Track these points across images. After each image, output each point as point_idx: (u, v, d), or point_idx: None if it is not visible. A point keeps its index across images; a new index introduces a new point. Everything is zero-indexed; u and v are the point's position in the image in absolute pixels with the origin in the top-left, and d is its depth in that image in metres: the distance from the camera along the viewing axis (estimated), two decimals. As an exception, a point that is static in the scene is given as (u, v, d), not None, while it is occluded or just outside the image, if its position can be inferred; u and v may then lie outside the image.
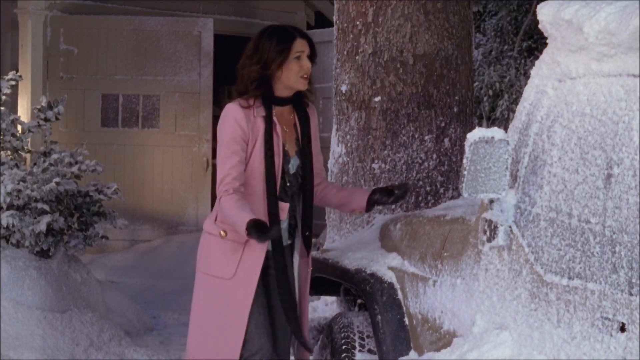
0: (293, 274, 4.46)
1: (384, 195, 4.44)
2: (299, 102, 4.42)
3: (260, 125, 4.29)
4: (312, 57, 4.37)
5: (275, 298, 4.41)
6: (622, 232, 3.15)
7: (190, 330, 4.44)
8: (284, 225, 4.39)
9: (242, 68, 4.32)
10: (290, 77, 4.32)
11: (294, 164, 4.38)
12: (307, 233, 4.41)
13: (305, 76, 4.32)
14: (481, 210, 3.88)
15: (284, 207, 4.33)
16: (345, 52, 6.32)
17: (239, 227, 4.10)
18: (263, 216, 4.23)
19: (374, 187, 4.50)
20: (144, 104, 10.41)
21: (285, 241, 4.42)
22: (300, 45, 4.32)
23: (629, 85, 3.25)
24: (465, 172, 3.57)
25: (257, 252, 4.29)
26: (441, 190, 6.17)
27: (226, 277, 4.31)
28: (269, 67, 4.28)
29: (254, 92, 4.29)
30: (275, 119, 4.30)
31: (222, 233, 4.30)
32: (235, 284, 4.31)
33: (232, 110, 4.27)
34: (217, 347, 4.36)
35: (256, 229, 4.04)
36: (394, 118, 6.14)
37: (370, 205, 4.46)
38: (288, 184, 4.36)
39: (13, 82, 7.31)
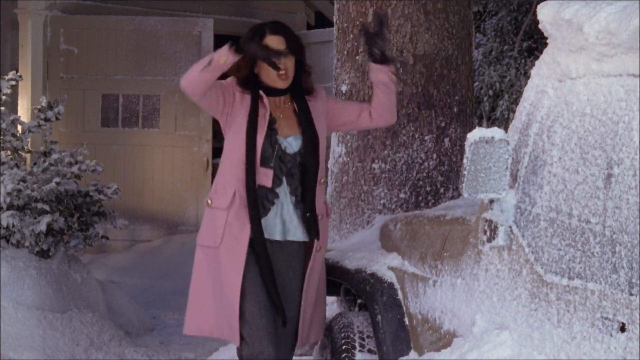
0: (301, 271, 4.45)
1: (374, 47, 4.40)
2: (296, 93, 4.41)
3: (248, 98, 4.32)
4: (297, 51, 4.34)
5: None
6: (622, 232, 3.15)
7: (188, 302, 4.47)
8: (295, 220, 4.38)
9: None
10: (268, 76, 4.31)
11: (291, 143, 4.36)
12: (307, 214, 4.38)
13: (282, 74, 4.30)
14: (481, 210, 3.87)
15: (268, 173, 4.31)
16: (345, 52, 6.31)
17: (216, 55, 4.14)
18: (243, 184, 4.27)
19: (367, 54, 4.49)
20: (144, 104, 10.41)
21: (300, 236, 4.41)
22: (270, 43, 4.29)
23: (629, 85, 3.25)
24: (466, 172, 3.56)
25: (242, 219, 4.29)
26: (441, 190, 6.16)
27: (214, 245, 4.33)
28: (240, 68, 4.31)
29: (241, 87, 4.37)
30: (262, 93, 4.31)
31: (209, 201, 4.35)
32: (223, 252, 4.31)
33: (230, 79, 4.35)
34: (215, 321, 4.36)
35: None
36: (394, 118, 6.13)
37: (382, 62, 4.41)
38: (279, 159, 4.33)
39: (13, 82, 7.31)
